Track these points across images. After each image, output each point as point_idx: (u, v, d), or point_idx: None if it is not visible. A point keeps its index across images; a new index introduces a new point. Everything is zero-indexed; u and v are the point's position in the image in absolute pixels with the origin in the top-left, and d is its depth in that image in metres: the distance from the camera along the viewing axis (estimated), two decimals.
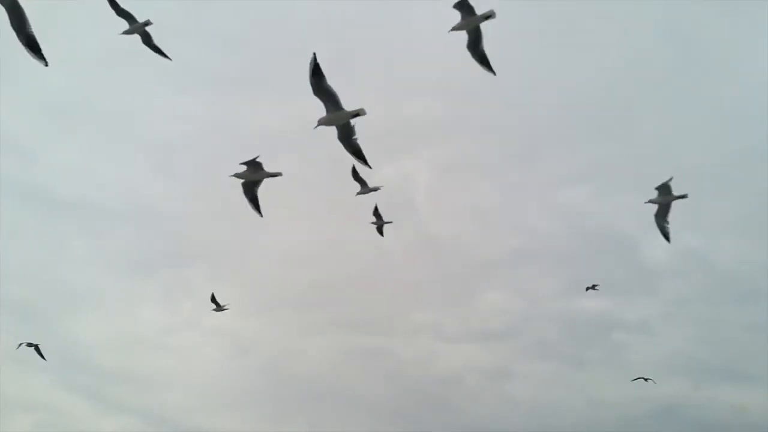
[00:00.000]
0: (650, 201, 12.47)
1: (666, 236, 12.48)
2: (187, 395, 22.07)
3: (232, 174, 10.49)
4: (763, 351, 19.03)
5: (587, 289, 17.03)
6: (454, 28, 11.08)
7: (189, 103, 22.09)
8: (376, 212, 14.87)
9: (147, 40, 11.91)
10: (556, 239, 22.80)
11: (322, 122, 9.89)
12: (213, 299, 16.17)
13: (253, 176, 10.59)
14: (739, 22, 20.32)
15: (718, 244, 19.83)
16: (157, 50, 11.96)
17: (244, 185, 10.74)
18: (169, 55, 12.05)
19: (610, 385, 21.36)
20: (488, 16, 10.77)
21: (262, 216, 10.76)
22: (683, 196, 12.32)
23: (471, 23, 10.92)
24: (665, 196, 12.33)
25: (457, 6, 10.75)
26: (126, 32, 11.77)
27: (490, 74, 10.92)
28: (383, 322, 22.72)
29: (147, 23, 11.72)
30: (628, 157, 20.81)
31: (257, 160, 10.41)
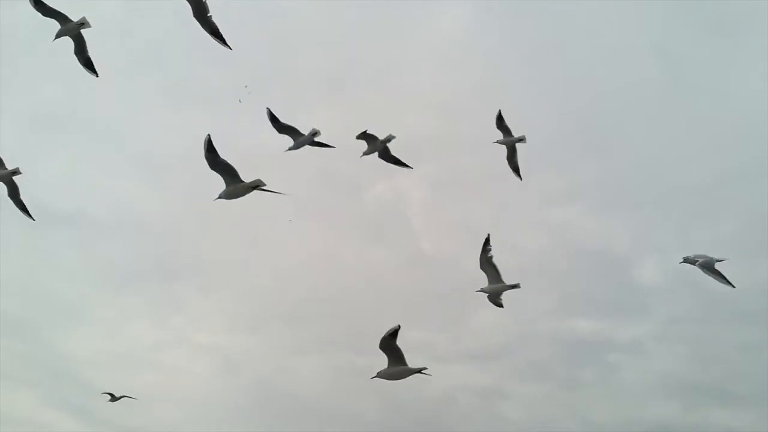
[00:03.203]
0: (481, 290, 11.89)
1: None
2: (176, 412, 21.82)
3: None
4: (755, 372, 18.99)
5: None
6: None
7: (182, 117, 22.05)
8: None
9: (80, 48, 10.94)
10: (548, 258, 22.76)
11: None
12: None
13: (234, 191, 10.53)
14: (731, 42, 20.54)
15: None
16: (88, 64, 11.04)
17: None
18: (97, 71, 11.08)
19: (602, 406, 21.28)
20: None
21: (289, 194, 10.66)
22: (516, 286, 11.91)
23: None
24: (497, 284, 11.80)
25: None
26: (58, 35, 10.72)
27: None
28: (375, 341, 22.53)
29: (82, 23, 10.70)
30: (621, 176, 20.89)
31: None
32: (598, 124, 21.46)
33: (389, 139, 12.20)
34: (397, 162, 12.44)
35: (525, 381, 22.10)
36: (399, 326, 10.11)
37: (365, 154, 12.25)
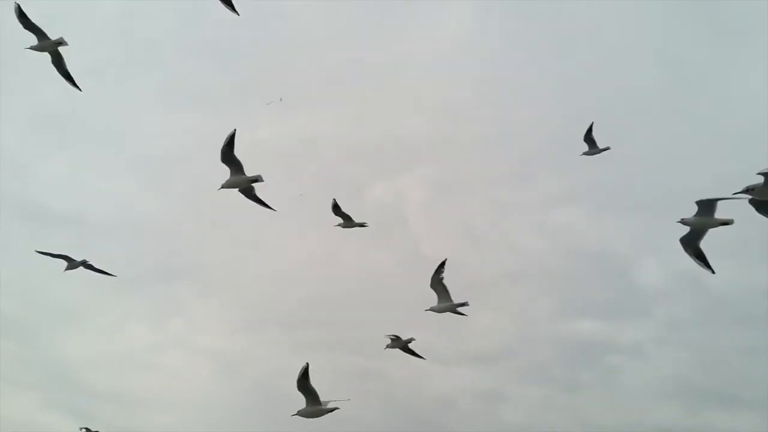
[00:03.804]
0: (431, 309, 12.47)
1: None
2: (175, 414, 21.75)
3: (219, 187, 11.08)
4: (757, 375, 18.91)
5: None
6: None
7: (181, 118, 22.06)
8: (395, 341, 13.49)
9: (57, 61, 11.28)
10: (549, 260, 22.71)
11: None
12: None
13: (236, 182, 11.08)
14: (732, 43, 20.48)
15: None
16: (67, 76, 11.39)
17: (243, 192, 11.28)
18: (78, 84, 11.46)
19: (603, 410, 21.16)
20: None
21: (276, 210, 11.46)
22: (464, 304, 12.30)
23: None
24: (446, 303, 12.30)
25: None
26: (33, 48, 11.11)
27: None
28: (375, 343, 22.46)
29: (60, 42, 11.08)
30: (622, 179, 20.80)
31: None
32: (599, 125, 21.37)
33: (410, 340, 13.29)
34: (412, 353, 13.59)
35: (525, 383, 22.02)
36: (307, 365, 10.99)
37: (388, 347, 13.44)
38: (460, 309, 12.47)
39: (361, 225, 14.10)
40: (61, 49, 11.26)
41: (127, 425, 21.13)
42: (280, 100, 14.21)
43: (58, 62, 11.28)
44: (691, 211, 10.53)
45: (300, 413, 11.15)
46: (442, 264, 12.26)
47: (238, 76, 21.02)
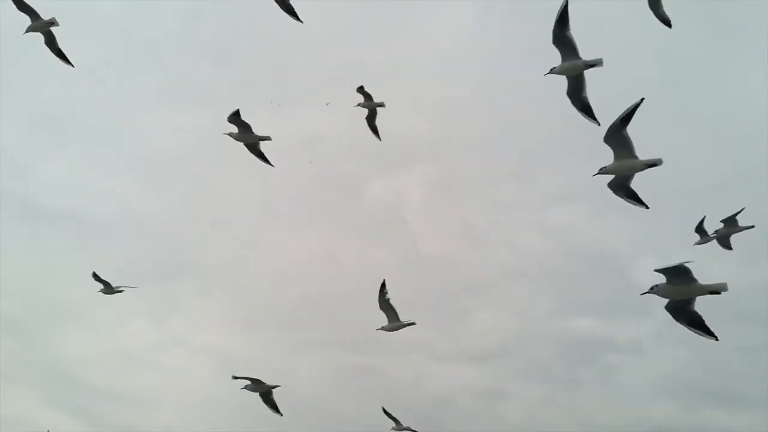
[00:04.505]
0: (381, 328, 12.80)
1: None
2: (175, 413, 21.80)
3: (225, 132, 11.64)
4: (756, 374, 18.96)
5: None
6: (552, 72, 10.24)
7: (181, 118, 22.09)
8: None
9: (50, 41, 11.63)
10: (548, 259, 22.79)
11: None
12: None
13: (243, 138, 11.64)
14: (732, 43, 20.50)
15: (710, 265, 19.76)
16: (60, 54, 11.72)
17: (247, 146, 11.87)
18: (72, 61, 11.81)
19: (603, 408, 21.25)
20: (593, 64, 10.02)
21: (273, 166, 12.03)
22: (412, 323, 12.75)
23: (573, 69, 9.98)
24: (395, 323, 12.73)
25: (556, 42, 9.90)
26: (29, 29, 11.46)
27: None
28: (374, 341, 22.53)
29: (52, 22, 11.47)
30: None
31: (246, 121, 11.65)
32: (600, 127, 21.40)
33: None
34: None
35: (525, 382, 22.11)
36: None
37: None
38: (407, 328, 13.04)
39: (380, 105, 13.96)
40: (58, 38, 11.67)
41: (127, 424, 21.20)
42: (327, 104, 14.66)
43: (51, 42, 11.63)
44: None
45: (248, 388, 12.98)
46: (383, 285, 12.73)
47: (238, 76, 21.03)
